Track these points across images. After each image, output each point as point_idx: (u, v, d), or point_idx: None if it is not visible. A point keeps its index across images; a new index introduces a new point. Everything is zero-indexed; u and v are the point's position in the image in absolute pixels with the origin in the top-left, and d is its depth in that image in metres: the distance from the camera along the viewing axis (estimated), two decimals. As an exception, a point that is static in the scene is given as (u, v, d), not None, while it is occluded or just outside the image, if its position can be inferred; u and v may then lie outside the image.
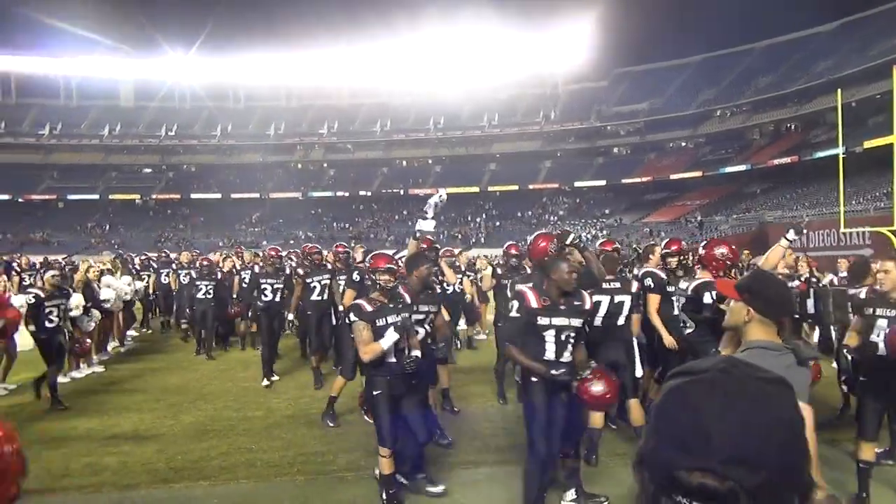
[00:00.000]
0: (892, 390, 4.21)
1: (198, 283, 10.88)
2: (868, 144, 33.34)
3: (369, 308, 4.49)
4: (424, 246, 6.11)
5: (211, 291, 10.68)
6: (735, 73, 56.29)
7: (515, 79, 62.94)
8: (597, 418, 5.06)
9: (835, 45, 48.70)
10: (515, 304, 4.06)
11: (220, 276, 11.35)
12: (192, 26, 61.07)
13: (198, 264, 11.58)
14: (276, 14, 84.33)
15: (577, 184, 59.43)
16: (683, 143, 58.45)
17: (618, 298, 5.30)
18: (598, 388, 3.82)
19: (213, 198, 61.11)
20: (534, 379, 3.99)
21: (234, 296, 11.20)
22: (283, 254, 11.38)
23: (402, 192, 61.28)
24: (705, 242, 5.49)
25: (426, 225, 5.35)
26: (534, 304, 3.98)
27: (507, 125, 63.68)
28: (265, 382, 8.46)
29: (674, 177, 54.09)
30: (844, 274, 6.63)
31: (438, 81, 63.13)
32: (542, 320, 3.99)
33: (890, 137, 21.48)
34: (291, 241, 44.27)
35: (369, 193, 62.20)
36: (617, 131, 62.28)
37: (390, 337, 4.40)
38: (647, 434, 0.84)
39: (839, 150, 25.84)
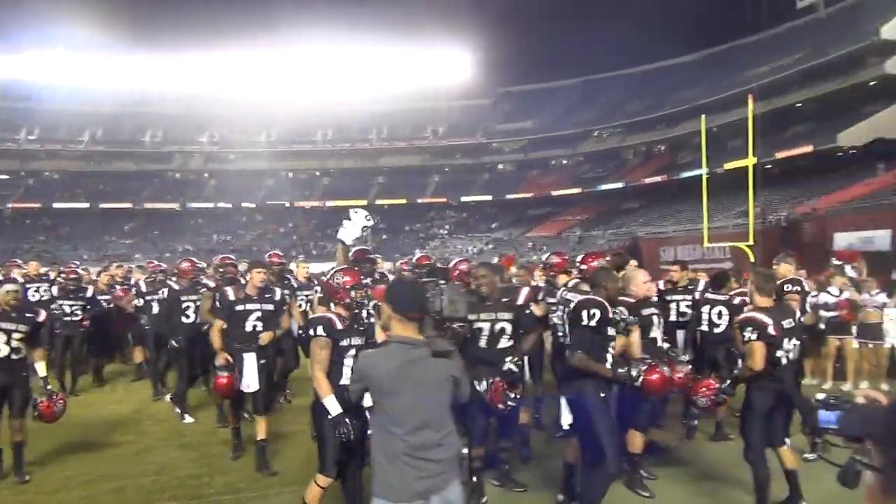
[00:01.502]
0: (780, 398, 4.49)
1: (60, 302, 8.79)
2: (728, 166, 36.29)
3: (340, 326, 4.06)
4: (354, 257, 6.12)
5: (79, 312, 8.78)
6: (610, 97, 59.56)
7: (404, 93, 63.33)
8: (637, 442, 5.09)
9: (698, 75, 52.71)
10: (595, 313, 4.22)
11: (91, 293, 9.23)
12: (62, 22, 56.56)
13: (62, 279, 9.34)
14: (158, 15, 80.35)
15: (463, 198, 60.51)
16: (564, 161, 61.03)
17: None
18: (655, 376, 4.30)
19: (80, 207, 56.81)
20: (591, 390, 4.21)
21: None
22: (203, 266, 9.39)
23: (287, 204, 59.84)
24: (582, 256, 5.69)
25: (349, 233, 5.26)
26: (610, 314, 4.26)
27: (395, 139, 63.87)
28: (188, 419, 7.34)
29: (555, 193, 56.28)
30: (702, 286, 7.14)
31: (327, 93, 62.34)
32: (611, 331, 4.31)
33: (746, 160, 23.51)
34: (167, 255, 41.96)
35: (253, 205, 60.21)
36: (502, 148, 64.09)
37: (347, 372, 3.96)
38: None
39: (703, 171, 27.93)
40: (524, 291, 5.17)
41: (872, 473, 0.88)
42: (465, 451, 2.87)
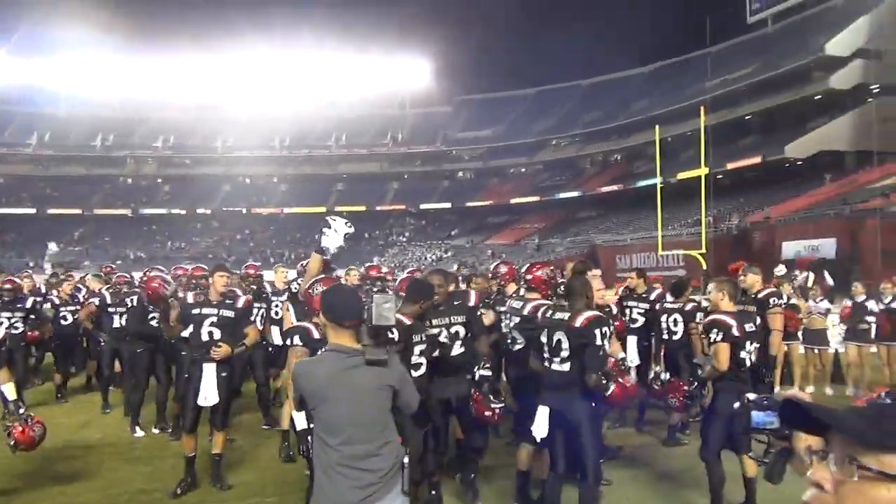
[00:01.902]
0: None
1: None
2: (681, 176, 37.18)
3: (318, 335, 3.95)
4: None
5: (19, 325, 8.00)
6: (567, 107, 60.44)
7: (364, 100, 63.21)
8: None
9: (651, 87, 53.97)
10: (606, 331, 4.22)
11: (31, 303, 8.32)
12: (5, 21, 54.81)
13: None
14: (112, 17, 78.34)
15: (423, 206, 60.55)
16: (523, 170, 61.64)
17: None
18: (616, 388, 4.23)
19: (27, 213, 54.96)
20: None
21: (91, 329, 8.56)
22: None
23: (244, 210, 58.96)
24: (526, 267, 5.74)
25: (332, 242, 4.90)
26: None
27: (355, 145, 63.57)
28: (138, 433, 7.03)
29: (514, 201, 56.77)
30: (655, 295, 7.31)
31: (286, 99, 61.76)
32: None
33: (699, 170, 24.14)
34: (118, 262, 40.86)
35: (209, 211, 59.15)
36: (461, 156, 64.40)
37: None
38: None
39: (657, 181, 28.65)
40: (473, 294, 5.23)
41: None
42: (406, 461, 2.83)
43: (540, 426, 4.22)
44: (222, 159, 61.83)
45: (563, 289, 4.83)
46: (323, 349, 2.84)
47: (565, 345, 4.20)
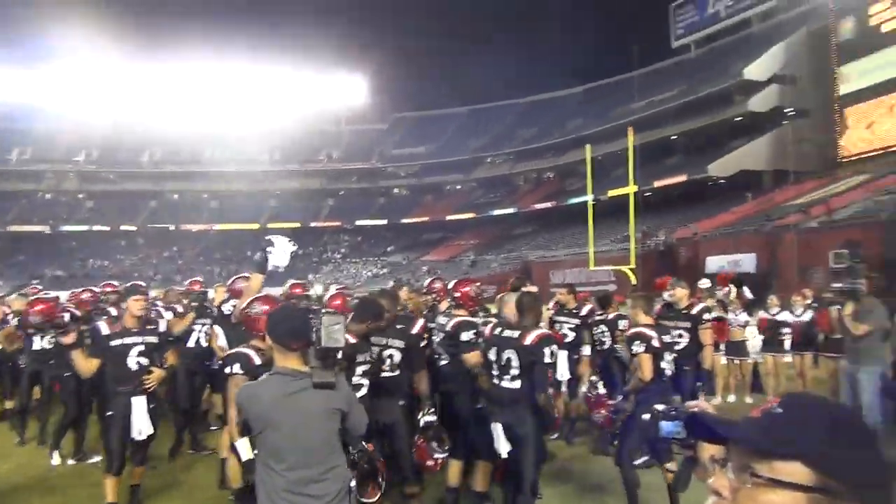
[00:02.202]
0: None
1: None
2: (611, 193, 38.28)
3: (258, 361, 3.79)
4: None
5: None
6: (502, 125, 61.44)
7: (299, 116, 62.39)
8: None
9: (582, 107, 55.54)
10: (554, 349, 4.29)
11: None
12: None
13: None
14: (32, 24, 74.98)
15: (358, 222, 60.20)
16: (458, 187, 62.16)
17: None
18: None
19: (-66, 230, 51.71)
20: None
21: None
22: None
23: (172, 227, 57.14)
24: (454, 283, 5.77)
25: (279, 260, 4.65)
26: None
27: (289, 161, 62.71)
28: (55, 460, 6.61)
29: (449, 218, 57.12)
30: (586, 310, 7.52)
31: (217, 113, 60.29)
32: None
33: (628, 188, 24.92)
34: (35, 281, 38.77)
35: (134, 228, 57.02)
36: (397, 173, 64.44)
37: None
38: None
39: (588, 198, 29.40)
40: (419, 322, 5.08)
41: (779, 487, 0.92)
42: (353, 484, 2.76)
43: (501, 443, 4.21)
44: (149, 175, 59.83)
45: (510, 307, 4.77)
46: (271, 373, 2.73)
47: (515, 362, 4.22)
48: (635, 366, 4.81)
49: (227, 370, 3.83)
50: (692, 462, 1.33)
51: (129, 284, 5.96)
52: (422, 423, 4.44)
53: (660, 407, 1.44)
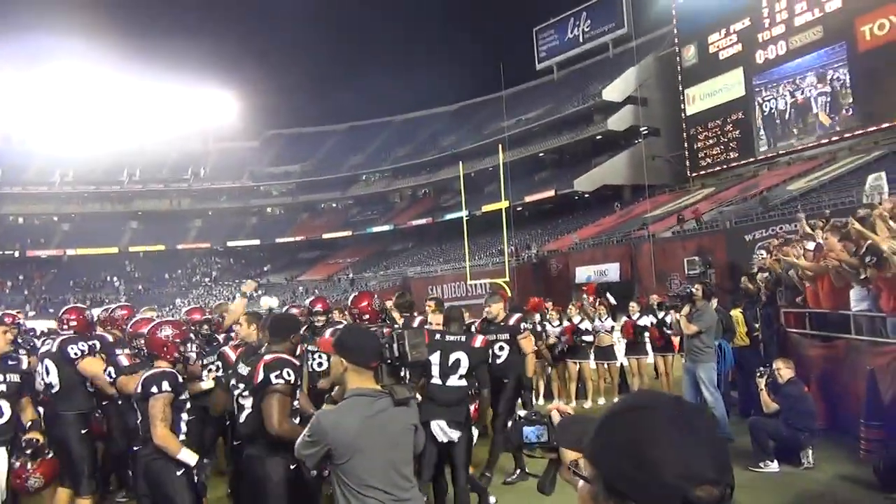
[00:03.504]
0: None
1: None
2: (485, 208, 39.32)
3: (180, 378, 3.86)
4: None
5: None
6: (377, 142, 61.51)
7: (162, 132, 59.02)
8: None
9: (455, 125, 56.76)
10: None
11: None
12: None
13: None
14: None
15: (229, 243, 57.84)
16: (334, 205, 61.39)
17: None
18: None
19: None
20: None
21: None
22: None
23: (16, 253, 52.14)
24: (352, 298, 5.68)
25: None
26: None
27: (151, 181, 59.18)
28: None
29: (326, 236, 56.27)
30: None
31: (70, 129, 55.75)
32: None
33: (500, 203, 25.66)
34: None
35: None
36: (270, 191, 62.68)
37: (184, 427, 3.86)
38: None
39: (463, 214, 29.97)
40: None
41: (583, 482, 1.03)
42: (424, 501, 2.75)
43: (448, 433, 4.47)
44: (-11, 196, 54.38)
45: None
46: (349, 395, 2.58)
47: (465, 363, 4.62)
48: None
49: (154, 390, 3.70)
50: (557, 465, 1.36)
51: None
52: None
53: (521, 413, 1.47)
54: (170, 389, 3.73)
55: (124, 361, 5.02)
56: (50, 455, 4.45)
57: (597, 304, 10.30)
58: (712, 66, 35.11)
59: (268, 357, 3.54)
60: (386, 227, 54.14)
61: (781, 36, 31.70)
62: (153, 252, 55.41)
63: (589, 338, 9.46)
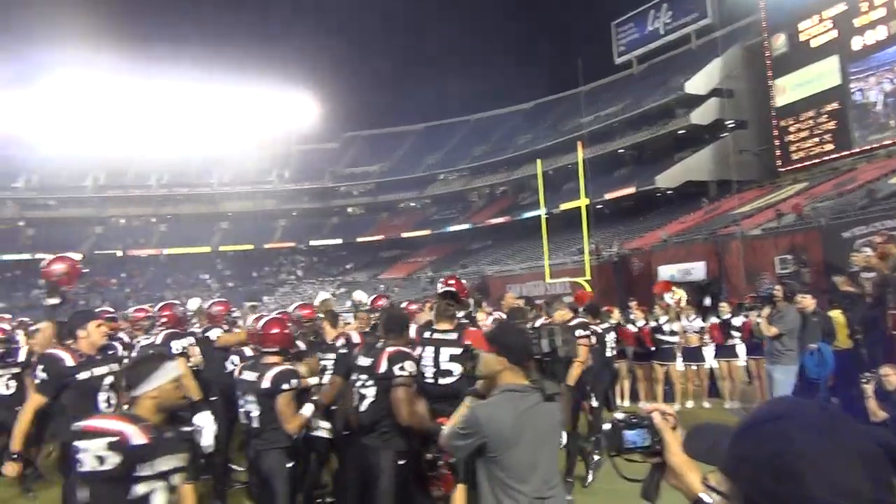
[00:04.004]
0: None
1: None
2: (564, 206, 38.84)
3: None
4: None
5: None
6: (454, 141, 61.83)
7: (247, 137, 61.48)
8: None
9: (532, 122, 56.32)
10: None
11: None
12: None
13: None
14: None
15: (312, 242, 59.57)
16: (413, 204, 62.13)
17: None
18: None
19: None
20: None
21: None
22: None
23: (119, 253, 55.53)
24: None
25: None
26: None
27: (238, 183, 61.73)
28: None
29: (405, 235, 57.01)
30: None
31: (161, 135, 58.87)
32: None
33: (579, 201, 25.29)
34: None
35: (80, 255, 54.91)
36: (350, 192, 64.11)
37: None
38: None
39: (542, 212, 29.71)
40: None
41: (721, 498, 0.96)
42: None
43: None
44: (92, 200, 58.14)
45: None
46: (500, 391, 2.62)
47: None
48: None
49: (285, 386, 3.99)
50: (660, 469, 1.32)
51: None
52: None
53: (619, 416, 1.39)
54: (296, 385, 4.05)
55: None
56: None
57: (682, 303, 10.01)
58: (804, 55, 33.35)
59: (390, 349, 3.84)
60: (464, 226, 54.33)
61: (882, 20, 29.80)
62: (241, 251, 57.77)
63: (675, 339, 9.23)
